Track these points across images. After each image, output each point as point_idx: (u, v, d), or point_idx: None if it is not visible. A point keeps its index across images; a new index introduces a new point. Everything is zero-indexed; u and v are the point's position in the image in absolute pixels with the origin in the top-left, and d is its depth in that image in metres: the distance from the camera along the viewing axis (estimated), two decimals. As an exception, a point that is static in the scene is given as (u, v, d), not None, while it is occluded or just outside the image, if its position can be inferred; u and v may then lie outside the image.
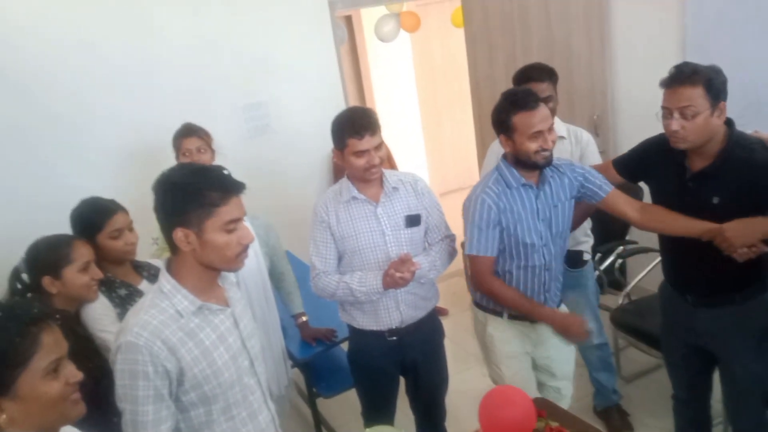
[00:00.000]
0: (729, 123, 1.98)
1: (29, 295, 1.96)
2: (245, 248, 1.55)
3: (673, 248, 2.18)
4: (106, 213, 2.13)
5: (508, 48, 4.14)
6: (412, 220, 2.27)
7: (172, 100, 3.72)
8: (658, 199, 2.19)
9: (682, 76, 1.91)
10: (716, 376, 2.28)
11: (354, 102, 5.84)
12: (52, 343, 1.17)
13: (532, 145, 2.06)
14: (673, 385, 2.44)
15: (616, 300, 3.27)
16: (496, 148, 2.58)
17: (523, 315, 2.26)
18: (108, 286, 2.11)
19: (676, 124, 1.92)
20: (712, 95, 1.89)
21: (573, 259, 2.73)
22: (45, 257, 1.95)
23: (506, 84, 3.80)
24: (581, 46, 3.70)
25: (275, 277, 2.75)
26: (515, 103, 2.08)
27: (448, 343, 2.58)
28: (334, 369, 2.96)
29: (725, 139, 1.97)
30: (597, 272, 3.19)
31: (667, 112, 1.96)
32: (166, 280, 1.52)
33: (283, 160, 4.24)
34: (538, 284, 2.25)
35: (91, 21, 3.48)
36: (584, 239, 2.85)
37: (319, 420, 3.00)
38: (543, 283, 2.26)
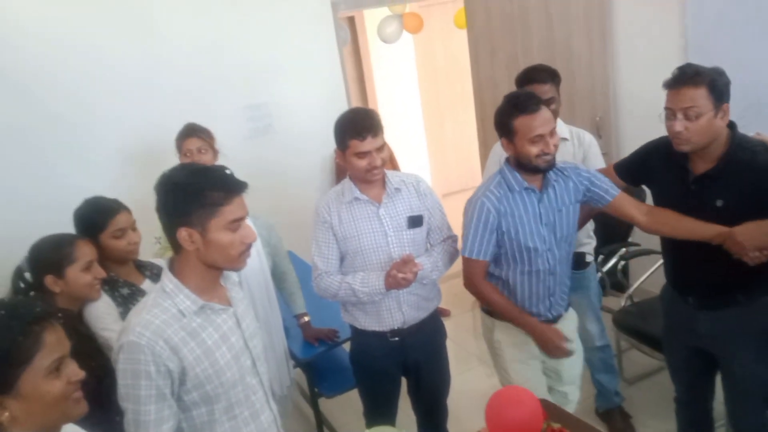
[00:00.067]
0: (731, 125, 1.98)
1: (32, 293, 1.97)
2: (248, 247, 1.55)
3: (675, 250, 2.17)
4: (109, 212, 2.14)
5: (510, 49, 4.14)
6: (415, 221, 2.27)
7: (174, 100, 3.73)
8: (661, 202, 2.18)
9: (685, 77, 1.91)
10: (718, 378, 2.28)
11: (357, 103, 5.85)
12: (54, 342, 1.17)
13: (533, 149, 2.03)
14: (675, 388, 2.43)
15: (619, 302, 3.26)
16: (499, 150, 2.57)
17: None
18: (111, 286, 2.12)
19: (679, 125, 1.91)
20: (715, 96, 1.88)
21: (575, 261, 2.71)
22: (48, 256, 1.95)
23: (508, 85, 3.80)
24: (582, 47, 3.70)
25: (277, 277, 2.75)
26: (516, 107, 2.05)
27: (450, 344, 2.58)
28: (336, 369, 2.96)
29: (728, 141, 1.96)
30: (599, 274, 3.19)
31: (670, 114, 1.95)
32: (168, 279, 1.53)
33: (285, 160, 4.24)
34: (542, 289, 2.22)
35: (94, 23, 3.50)
36: (587, 241, 2.84)
37: (321, 420, 3.00)
38: (548, 288, 2.22)
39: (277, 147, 4.21)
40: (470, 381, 3.47)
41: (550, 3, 3.78)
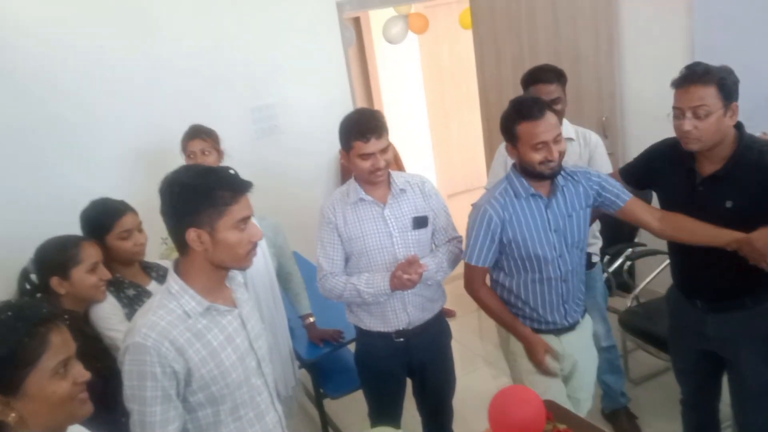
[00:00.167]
0: (738, 126, 1.96)
1: (38, 295, 1.98)
2: (255, 246, 1.56)
3: (683, 254, 2.15)
4: (115, 214, 2.15)
5: (515, 49, 4.13)
6: (420, 222, 2.27)
7: (179, 102, 3.74)
8: (667, 205, 2.16)
9: (694, 76, 1.89)
10: (723, 380, 2.27)
11: (362, 103, 5.85)
12: (60, 344, 1.18)
13: (536, 156, 1.99)
14: (682, 390, 2.42)
15: (625, 302, 3.25)
16: (504, 151, 2.57)
17: (546, 328, 2.20)
18: (116, 287, 2.12)
19: (688, 124, 1.90)
20: (724, 95, 1.87)
21: (581, 262, 2.72)
22: (53, 258, 1.96)
23: (514, 85, 3.79)
24: (589, 47, 3.68)
25: (283, 277, 2.75)
26: (520, 112, 2.01)
27: (455, 345, 2.57)
28: (342, 370, 2.96)
29: (735, 141, 1.95)
30: (605, 274, 3.18)
31: (679, 113, 1.93)
32: (174, 281, 1.53)
33: (291, 161, 4.25)
34: (555, 297, 2.17)
35: (95, 23, 3.50)
36: (593, 241, 2.84)
37: (326, 421, 3.00)
38: (561, 295, 2.17)
39: (282, 148, 4.21)
40: (476, 382, 3.46)
41: (557, 3, 3.77)
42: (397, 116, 6.20)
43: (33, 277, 2.00)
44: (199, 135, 2.76)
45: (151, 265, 2.31)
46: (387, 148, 2.17)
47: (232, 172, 1.54)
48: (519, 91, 2.79)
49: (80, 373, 1.22)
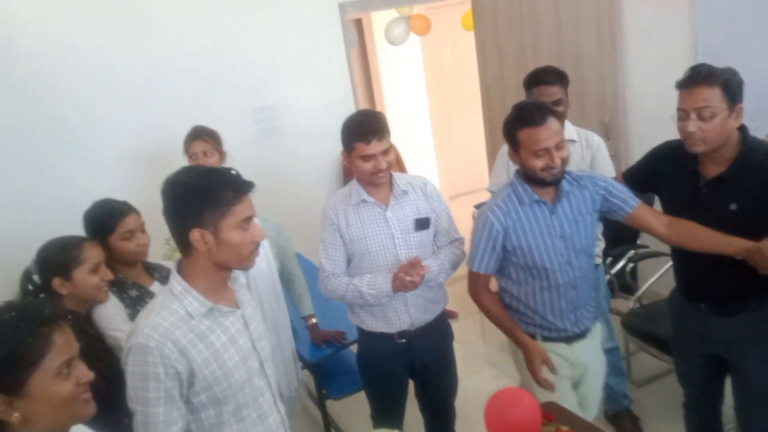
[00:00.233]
0: (742, 128, 1.95)
1: (42, 295, 1.98)
2: (258, 246, 1.57)
3: (687, 258, 2.12)
4: (118, 214, 2.15)
5: (518, 51, 4.14)
6: (422, 224, 2.27)
7: (181, 102, 3.75)
8: (671, 208, 2.14)
9: (699, 77, 1.89)
10: (726, 382, 2.26)
11: (364, 105, 5.85)
12: (63, 344, 1.18)
13: (538, 163, 1.96)
14: (685, 393, 2.41)
15: (627, 304, 3.25)
16: (506, 152, 2.57)
17: (557, 336, 2.16)
18: (119, 287, 2.13)
19: (693, 125, 1.89)
20: (729, 96, 1.86)
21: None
22: (55, 259, 1.97)
23: (516, 87, 3.80)
24: (591, 48, 3.68)
25: (285, 278, 2.76)
26: (521, 118, 1.98)
27: (457, 346, 2.57)
28: (344, 371, 2.96)
29: (739, 143, 1.94)
30: (608, 276, 3.17)
31: (683, 114, 1.92)
32: (176, 281, 1.53)
33: (293, 162, 4.25)
34: (565, 304, 2.12)
35: (99, 25, 3.51)
36: (595, 243, 2.83)
37: (328, 422, 3.00)
38: (571, 302, 2.13)
39: (284, 148, 4.22)
40: (478, 383, 3.46)
41: (559, 4, 3.77)
42: (399, 118, 6.20)
43: (35, 278, 2.00)
44: (201, 136, 2.76)
45: (154, 266, 2.31)
46: (389, 149, 2.17)
47: (234, 172, 1.55)
48: (521, 93, 2.79)
49: (83, 373, 1.22)
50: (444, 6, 6.31)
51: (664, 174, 2.13)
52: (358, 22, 6.22)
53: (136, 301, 2.13)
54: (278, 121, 4.19)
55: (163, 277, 2.25)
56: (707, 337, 2.14)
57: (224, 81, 3.93)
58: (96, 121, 3.57)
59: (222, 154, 2.81)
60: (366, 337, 2.42)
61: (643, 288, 3.25)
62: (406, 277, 2.11)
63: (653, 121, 3.42)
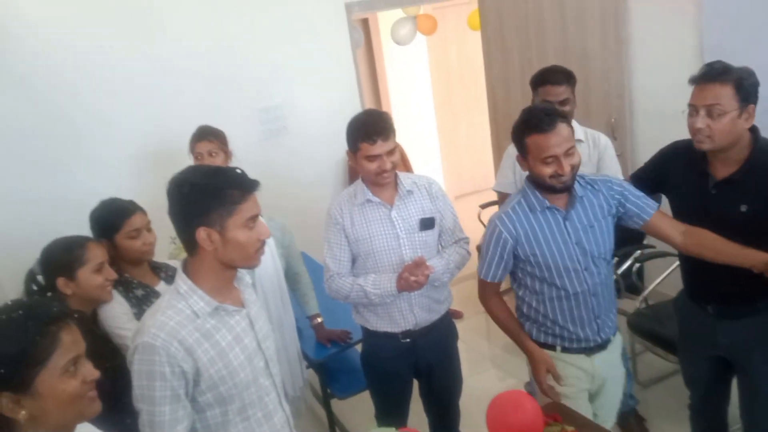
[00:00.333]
0: (753, 129, 1.93)
1: (49, 294, 1.99)
2: (263, 244, 1.57)
3: (694, 260, 2.07)
4: (124, 213, 2.16)
5: (524, 51, 4.13)
6: (426, 224, 2.27)
7: (187, 103, 3.76)
8: (680, 210, 2.11)
9: (712, 74, 1.87)
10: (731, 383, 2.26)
11: (370, 105, 5.85)
12: (70, 342, 1.19)
13: (546, 170, 1.89)
14: (691, 395, 2.40)
15: (633, 304, 3.24)
16: (512, 152, 2.56)
17: (578, 346, 2.08)
18: (125, 287, 2.14)
19: (701, 122, 1.87)
20: (741, 96, 1.84)
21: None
22: (59, 259, 1.97)
23: (522, 87, 3.79)
24: (597, 48, 3.67)
25: (291, 278, 2.76)
26: (529, 123, 1.91)
27: (462, 346, 2.57)
28: (349, 370, 2.97)
29: (750, 144, 1.92)
30: (614, 276, 3.16)
31: (693, 110, 1.91)
32: (182, 281, 1.54)
33: (299, 161, 4.26)
34: (585, 312, 2.04)
35: (105, 26, 3.53)
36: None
37: (333, 421, 3.00)
38: (591, 310, 2.04)
39: (290, 148, 4.22)
40: (483, 383, 3.46)
41: (565, 4, 3.76)
42: (406, 117, 6.21)
43: (39, 278, 2.01)
44: (206, 137, 2.76)
45: (160, 265, 2.32)
46: (394, 149, 2.17)
47: (239, 171, 1.55)
48: (527, 92, 2.79)
49: (90, 371, 1.22)
50: (450, 6, 6.31)
51: (674, 175, 2.11)
52: (365, 22, 6.23)
53: (141, 300, 2.13)
54: (284, 121, 4.20)
55: (169, 276, 2.26)
56: (714, 340, 2.12)
57: (230, 81, 3.94)
58: (102, 121, 3.59)
59: (227, 154, 2.81)
60: (370, 337, 2.43)
61: (650, 288, 3.24)
62: (411, 277, 2.11)
63: (659, 121, 3.41)
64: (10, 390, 1.13)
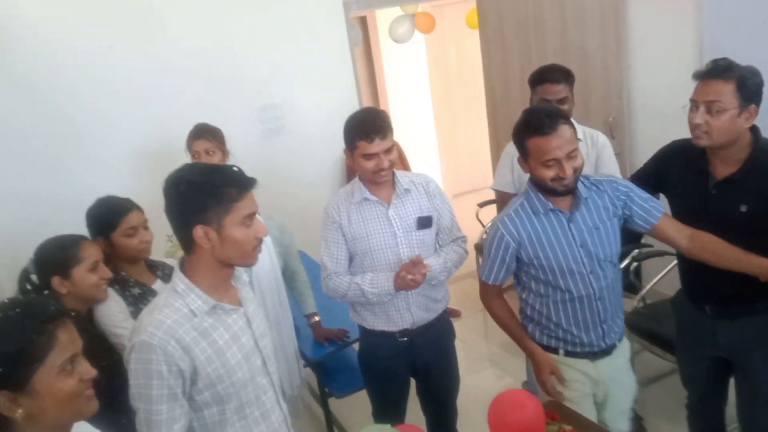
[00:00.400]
0: (754, 129, 1.93)
1: (45, 292, 1.99)
2: (260, 242, 1.57)
3: (693, 260, 2.06)
4: (121, 211, 2.16)
5: (522, 49, 4.12)
6: (424, 222, 2.27)
7: (186, 102, 3.75)
8: (679, 209, 2.11)
9: (715, 70, 1.87)
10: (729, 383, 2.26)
11: (368, 103, 5.85)
12: (67, 340, 1.18)
13: (548, 173, 1.85)
14: (689, 395, 2.40)
15: (631, 303, 3.24)
16: (511, 150, 2.56)
17: (582, 351, 2.04)
18: (122, 285, 2.13)
19: (699, 117, 1.87)
20: (742, 95, 1.83)
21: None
22: (54, 257, 1.97)
23: (521, 85, 3.79)
24: (596, 47, 3.67)
25: (288, 276, 2.76)
26: (529, 125, 1.87)
27: (459, 345, 2.57)
28: (346, 369, 2.97)
29: (751, 144, 1.92)
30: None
31: (693, 105, 1.91)
32: (179, 279, 1.54)
33: (298, 160, 4.26)
34: (591, 316, 2.00)
35: (105, 26, 3.52)
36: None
37: (331, 420, 3.00)
38: (597, 314, 1.99)
39: (288, 147, 4.22)
40: (480, 382, 3.46)
41: (564, 3, 3.76)
42: (404, 116, 6.21)
43: (33, 277, 2.00)
44: (203, 135, 2.76)
45: (157, 263, 2.32)
46: (391, 148, 2.17)
47: (236, 169, 1.55)
48: (526, 91, 2.78)
49: (87, 370, 1.22)
50: (449, 4, 6.31)
51: (673, 174, 2.11)
52: (363, 20, 6.22)
53: (138, 299, 2.13)
54: (283, 120, 4.19)
55: (166, 275, 2.26)
56: (713, 340, 2.12)
57: (229, 80, 3.93)
58: (102, 121, 3.58)
59: (225, 153, 2.80)
60: (367, 336, 2.42)
61: (647, 287, 3.24)
62: (408, 276, 2.11)
63: (658, 120, 3.41)
64: (7, 388, 1.13)
